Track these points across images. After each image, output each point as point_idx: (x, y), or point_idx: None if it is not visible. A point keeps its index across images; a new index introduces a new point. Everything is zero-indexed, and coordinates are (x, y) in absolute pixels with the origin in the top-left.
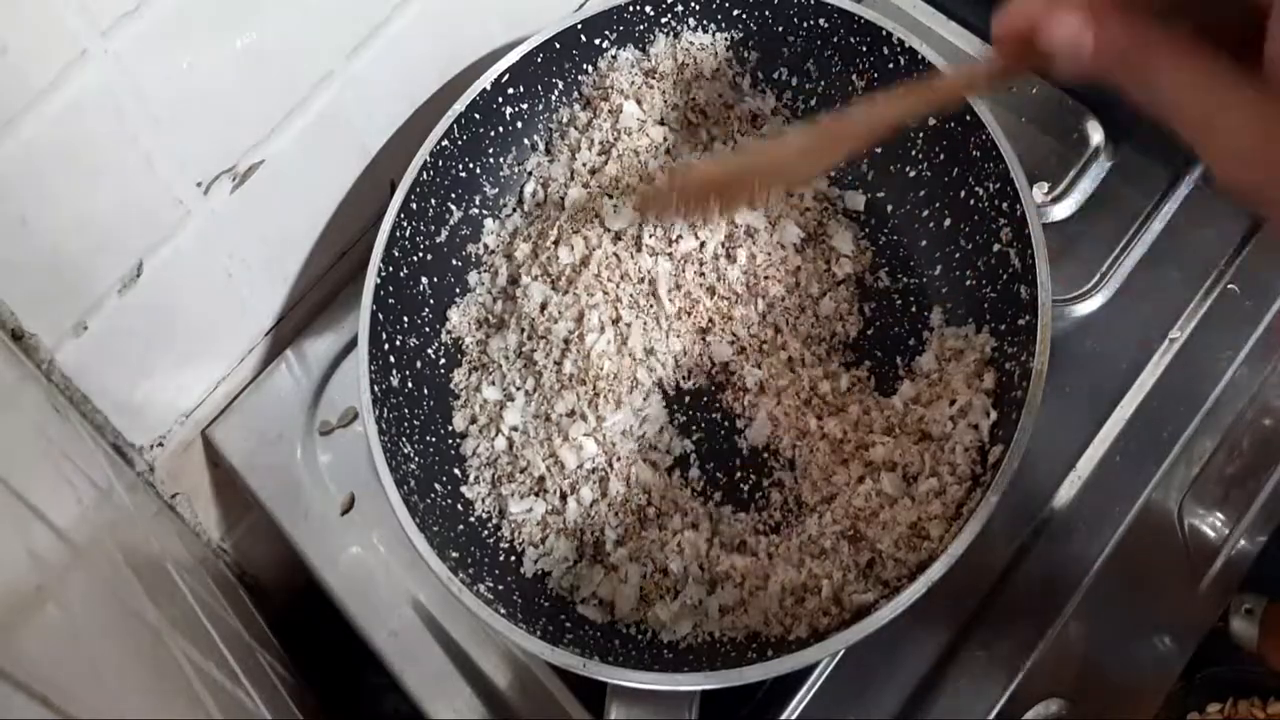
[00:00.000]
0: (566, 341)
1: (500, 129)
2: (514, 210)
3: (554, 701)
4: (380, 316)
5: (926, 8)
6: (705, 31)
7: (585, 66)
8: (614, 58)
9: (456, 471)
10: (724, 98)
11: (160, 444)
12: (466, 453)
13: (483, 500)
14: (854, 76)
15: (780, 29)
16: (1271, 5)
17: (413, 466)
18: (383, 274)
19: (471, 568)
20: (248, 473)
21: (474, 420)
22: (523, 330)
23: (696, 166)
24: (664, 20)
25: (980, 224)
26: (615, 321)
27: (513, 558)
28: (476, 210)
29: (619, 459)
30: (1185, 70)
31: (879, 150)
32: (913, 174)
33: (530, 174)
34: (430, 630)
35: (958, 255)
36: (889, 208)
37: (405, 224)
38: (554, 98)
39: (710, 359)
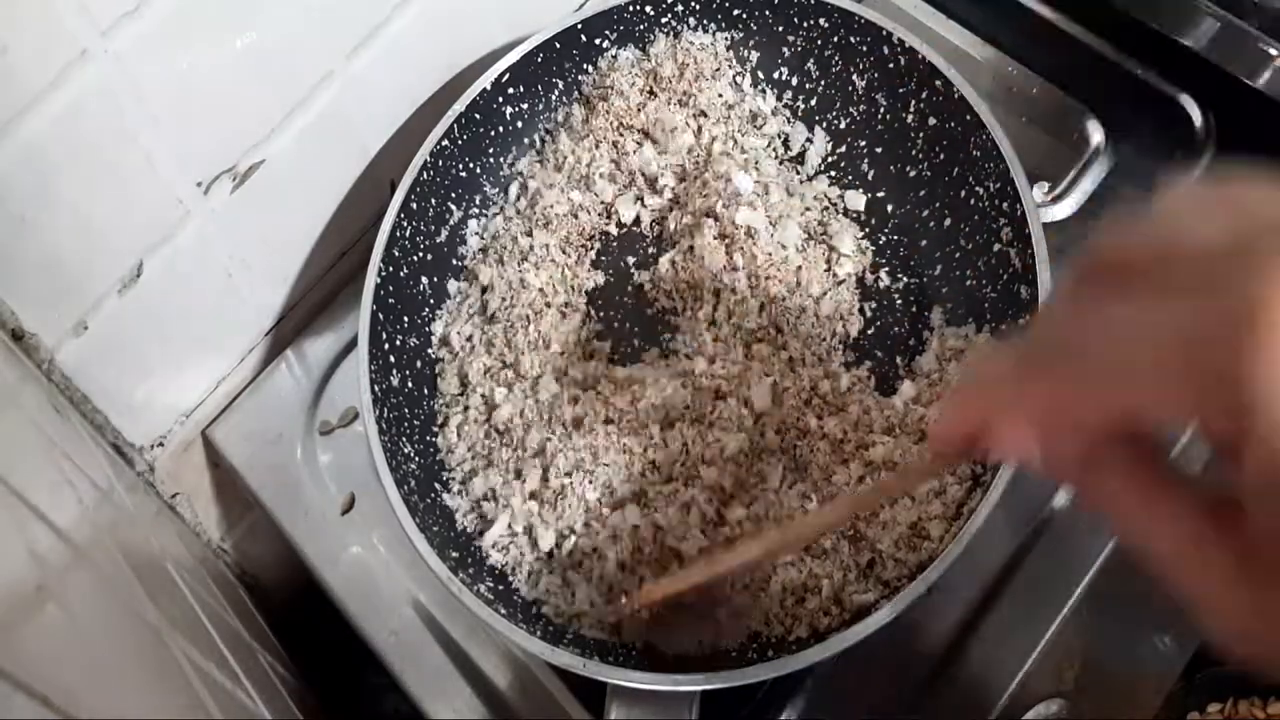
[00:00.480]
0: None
1: (500, 129)
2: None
3: (554, 701)
4: (380, 316)
5: (926, 8)
6: (705, 31)
7: (585, 66)
8: (614, 57)
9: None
10: (724, 98)
11: (160, 444)
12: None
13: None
14: (854, 76)
15: (780, 29)
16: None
17: (413, 466)
18: (383, 274)
19: (471, 568)
20: (248, 473)
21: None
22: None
23: (666, 581)
24: (664, 20)
25: (980, 224)
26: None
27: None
28: (477, 210)
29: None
30: (1153, 512)
31: (879, 150)
32: (913, 174)
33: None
34: (430, 630)
35: (958, 255)
36: (889, 207)
37: (405, 224)
38: (554, 98)
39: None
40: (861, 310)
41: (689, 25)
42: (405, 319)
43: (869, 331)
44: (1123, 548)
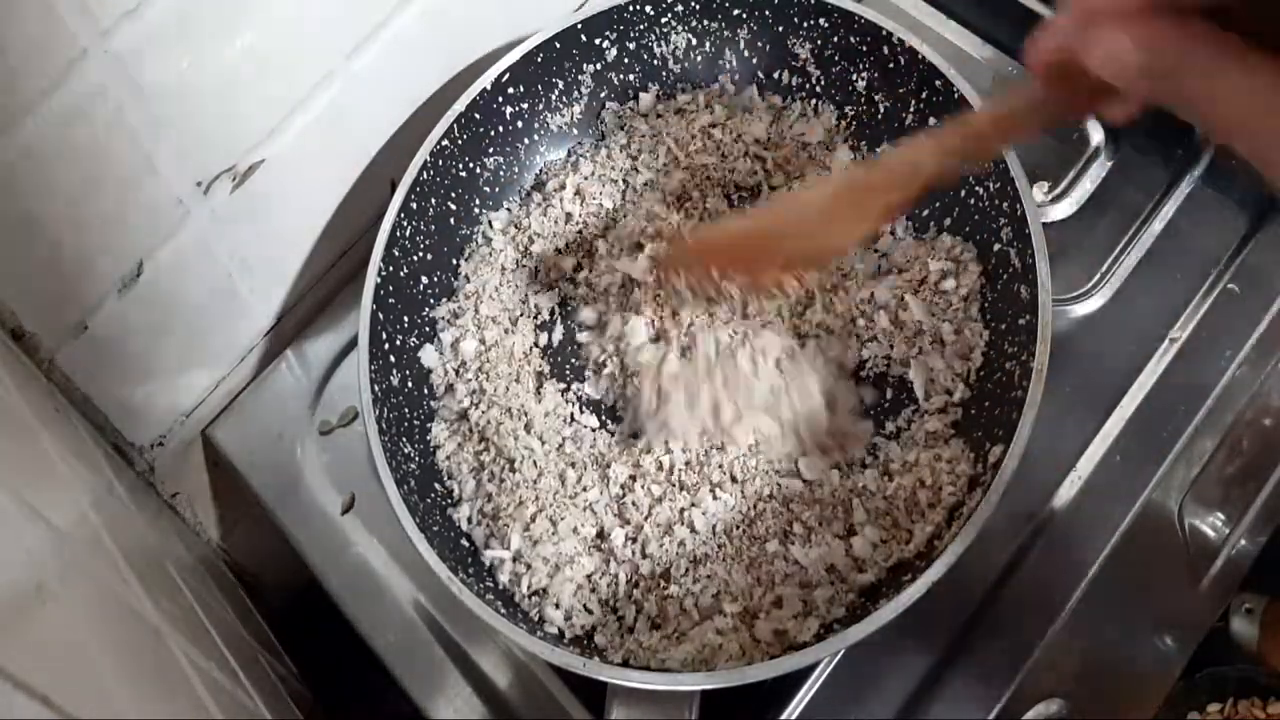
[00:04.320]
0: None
1: (500, 129)
2: (514, 210)
3: (554, 701)
4: (380, 316)
5: (926, 8)
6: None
7: (585, 66)
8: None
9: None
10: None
11: (160, 444)
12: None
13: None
14: (855, 76)
15: (781, 29)
16: None
17: (413, 466)
18: (383, 274)
19: (472, 567)
20: (248, 472)
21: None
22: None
23: (717, 226)
24: (664, 20)
25: (980, 224)
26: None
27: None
28: (477, 210)
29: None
30: (1239, 77)
31: (880, 150)
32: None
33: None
34: (430, 630)
35: None
36: None
37: (405, 224)
38: (554, 98)
39: None
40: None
41: (689, 25)
42: (405, 319)
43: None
44: (1123, 548)
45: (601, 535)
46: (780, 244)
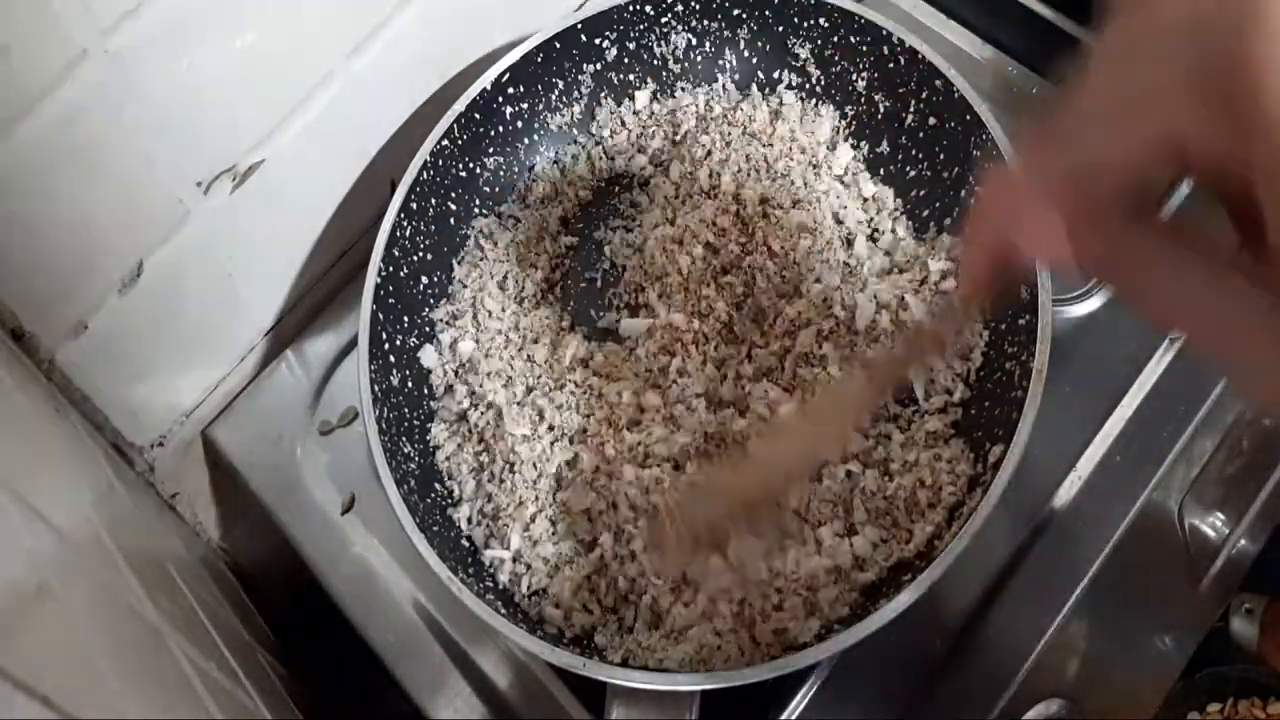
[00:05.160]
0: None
1: (500, 129)
2: (513, 210)
3: (554, 701)
4: (380, 316)
5: (926, 8)
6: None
7: (585, 66)
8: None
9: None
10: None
11: (160, 444)
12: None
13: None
14: (855, 76)
15: (781, 29)
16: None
17: (413, 466)
18: (383, 274)
19: (472, 567)
20: (248, 473)
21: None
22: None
23: (702, 487)
24: (664, 20)
25: None
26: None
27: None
28: (476, 209)
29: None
30: (1185, 281)
31: (879, 150)
32: (913, 174)
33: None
34: (430, 630)
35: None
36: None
37: (405, 224)
38: (554, 97)
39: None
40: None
41: (689, 25)
42: (405, 319)
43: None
44: (1123, 548)
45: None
46: (763, 489)
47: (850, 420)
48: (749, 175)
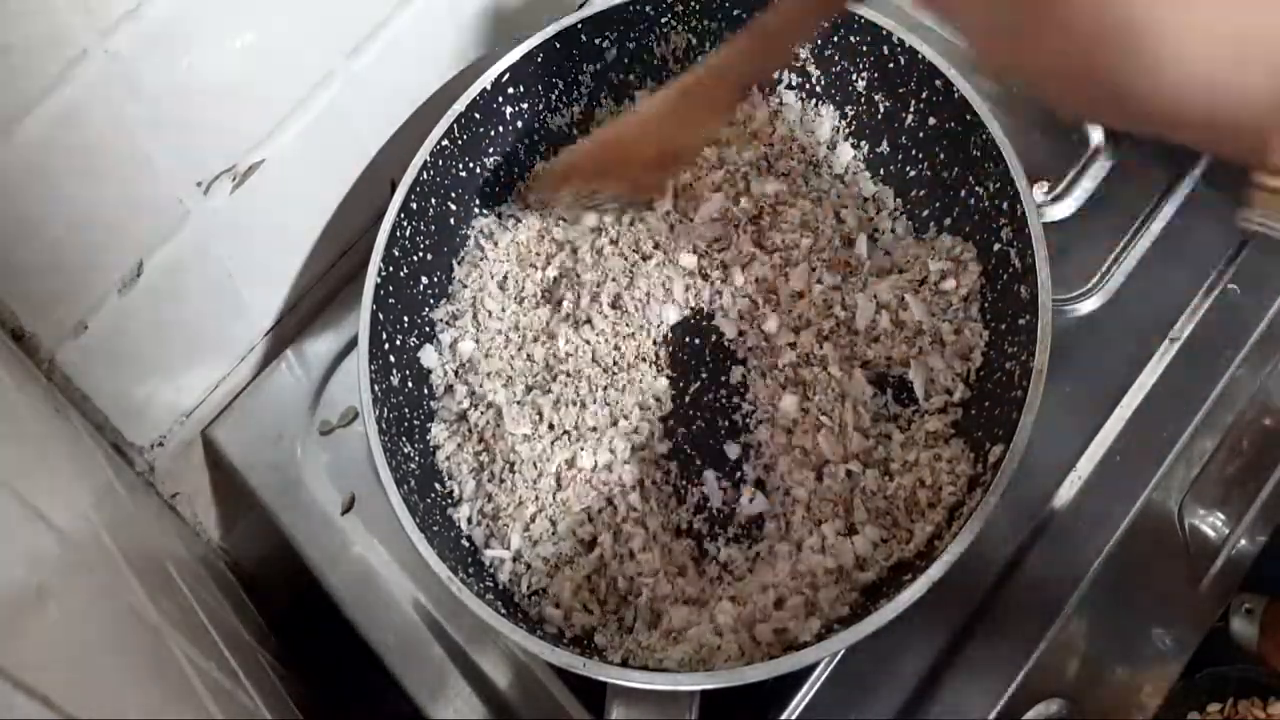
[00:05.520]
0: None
1: (500, 129)
2: (513, 210)
3: (554, 701)
4: (380, 316)
5: None
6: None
7: (585, 66)
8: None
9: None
10: None
11: (160, 444)
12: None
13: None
14: (855, 76)
15: None
16: None
17: (413, 466)
18: (383, 274)
19: (472, 567)
20: (248, 472)
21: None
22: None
23: (566, 150)
24: (664, 20)
25: (980, 224)
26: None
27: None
28: (476, 209)
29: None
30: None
31: (879, 150)
32: (913, 174)
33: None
34: (430, 630)
35: None
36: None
37: (405, 224)
38: (554, 98)
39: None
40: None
41: (689, 25)
42: (405, 319)
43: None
44: (1123, 548)
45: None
46: (637, 149)
47: (709, 105)
48: (749, 175)
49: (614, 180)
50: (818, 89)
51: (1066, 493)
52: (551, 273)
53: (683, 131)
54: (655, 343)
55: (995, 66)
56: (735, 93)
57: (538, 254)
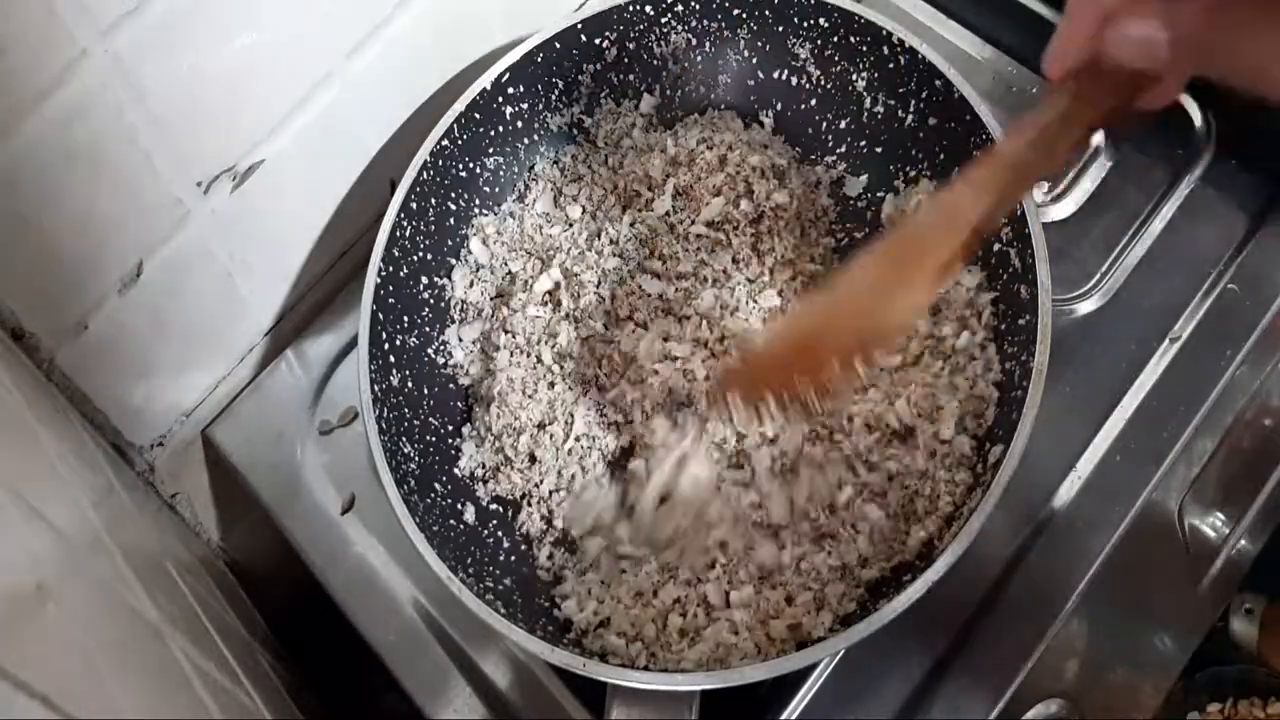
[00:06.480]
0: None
1: (500, 129)
2: (513, 210)
3: (554, 701)
4: (380, 316)
5: (927, 8)
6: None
7: (585, 66)
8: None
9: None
10: None
11: (160, 444)
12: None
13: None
14: (855, 76)
15: (781, 29)
16: None
17: (413, 466)
18: (383, 274)
19: (471, 567)
20: (248, 472)
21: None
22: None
23: (768, 339)
24: (664, 20)
25: None
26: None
27: (513, 557)
28: (476, 209)
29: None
30: (1270, 38)
31: (879, 150)
32: (913, 173)
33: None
34: (430, 630)
35: None
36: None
37: (405, 224)
38: (554, 97)
39: None
40: None
41: (689, 25)
42: (405, 319)
43: None
44: (1123, 548)
45: None
46: (837, 338)
47: (924, 270)
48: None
49: (809, 377)
50: (818, 89)
51: (1066, 493)
52: (555, 273)
53: (897, 305)
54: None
55: None
56: (970, 246)
57: (538, 254)
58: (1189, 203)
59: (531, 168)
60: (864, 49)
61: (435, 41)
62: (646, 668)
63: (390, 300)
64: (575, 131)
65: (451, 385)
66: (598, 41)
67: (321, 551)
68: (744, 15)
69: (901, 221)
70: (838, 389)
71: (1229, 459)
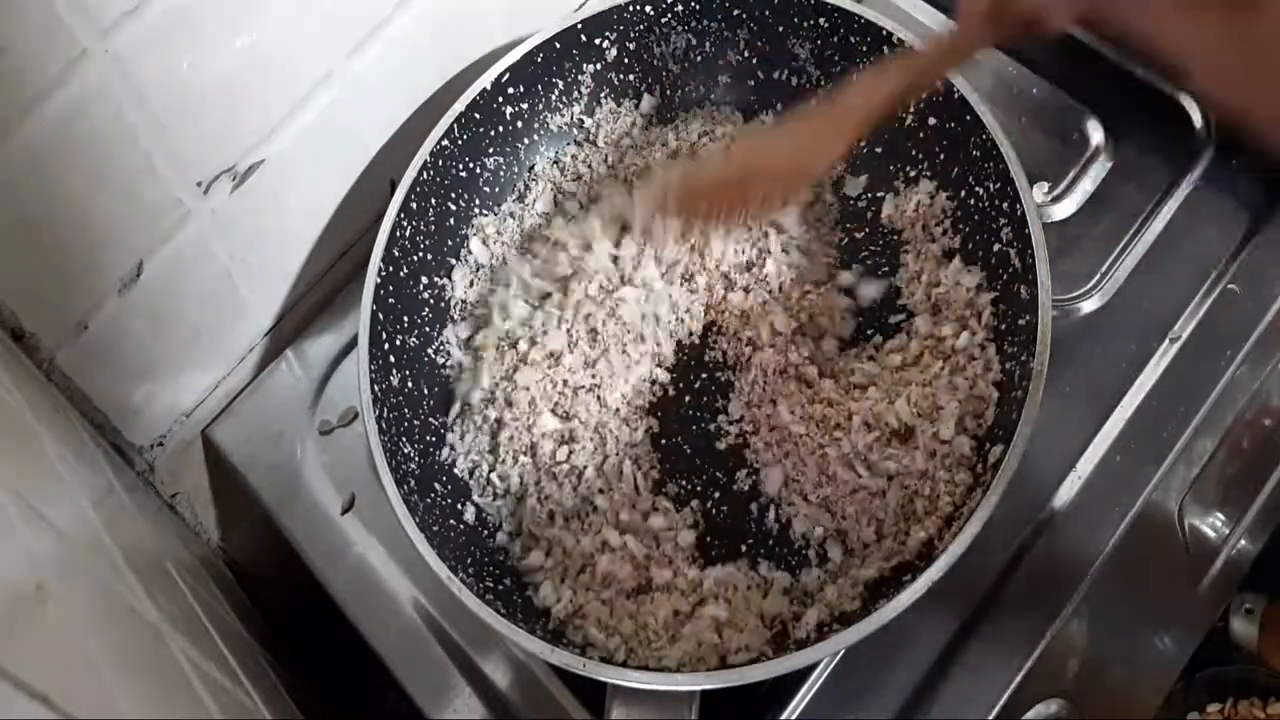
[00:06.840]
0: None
1: (500, 129)
2: (513, 210)
3: (554, 701)
4: (380, 316)
5: (927, 8)
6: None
7: (585, 66)
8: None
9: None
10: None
11: (160, 444)
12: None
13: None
14: (855, 76)
15: (781, 29)
16: None
17: (413, 466)
18: (383, 274)
19: (471, 567)
20: (248, 472)
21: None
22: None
23: (690, 172)
24: (664, 20)
25: (980, 224)
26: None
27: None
28: (476, 209)
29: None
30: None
31: (879, 150)
32: (913, 173)
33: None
34: (430, 630)
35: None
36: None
37: (405, 224)
38: (554, 98)
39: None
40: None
41: (689, 25)
42: (405, 319)
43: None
44: (1123, 548)
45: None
46: (760, 180)
47: (835, 136)
48: None
49: (732, 210)
50: (818, 89)
51: (1066, 493)
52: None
53: (809, 153)
54: (658, 344)
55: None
56: (860, 129)
57: (537, 254)
58: (1189, 203)
59: (531, 168)
60: (864, 49)
61: (435, 41)
62: (646, 667)
63: (390, 300)
64: (575, 131)
65: (452, 385)
66: (598, 41)
67: (321, 551)
68: (744, 15)
69: (830, 91)
70: (759, 215)
71: (1229, 459)
